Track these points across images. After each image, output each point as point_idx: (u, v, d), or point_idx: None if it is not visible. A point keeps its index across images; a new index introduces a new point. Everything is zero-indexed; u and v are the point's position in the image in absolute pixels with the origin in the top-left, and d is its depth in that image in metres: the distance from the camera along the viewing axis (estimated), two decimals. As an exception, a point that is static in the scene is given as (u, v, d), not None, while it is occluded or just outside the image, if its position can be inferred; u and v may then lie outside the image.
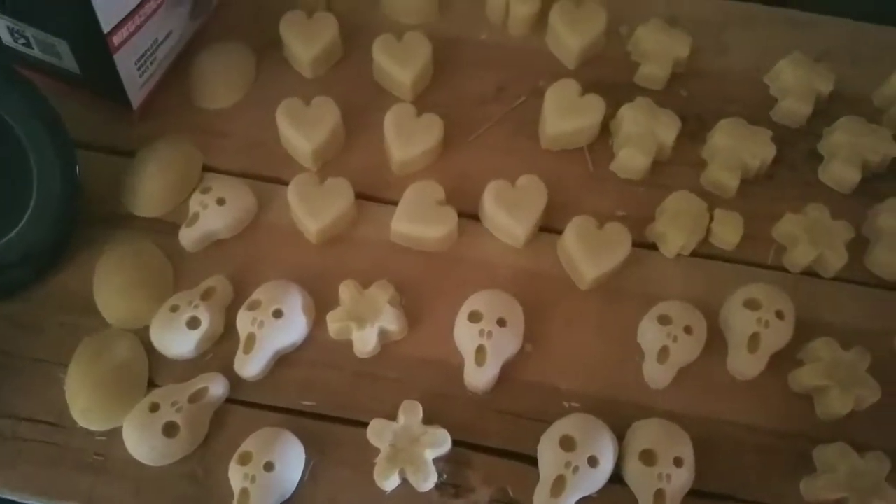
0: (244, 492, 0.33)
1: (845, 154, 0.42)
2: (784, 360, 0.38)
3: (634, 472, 0.34)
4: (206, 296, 0.38)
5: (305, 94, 0.42)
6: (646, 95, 0.43)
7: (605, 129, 0.43)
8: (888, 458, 0.34)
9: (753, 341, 0.37)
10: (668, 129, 0.42)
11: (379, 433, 0.35)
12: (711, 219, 0.41)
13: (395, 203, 0.40)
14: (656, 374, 0.37)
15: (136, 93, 0.42)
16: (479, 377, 0.36)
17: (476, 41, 0.46)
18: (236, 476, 0.34)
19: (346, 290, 0.38)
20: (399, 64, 0.43)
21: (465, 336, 0.37)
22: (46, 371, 0.37)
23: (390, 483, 0.34)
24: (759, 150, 0.42)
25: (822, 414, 0.37)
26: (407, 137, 0.41)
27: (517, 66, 0.46)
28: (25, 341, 0.38)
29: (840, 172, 0.42)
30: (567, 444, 0.34)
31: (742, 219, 0.41)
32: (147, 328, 0.37)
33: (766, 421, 0.37)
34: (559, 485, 0.33)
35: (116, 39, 0.38)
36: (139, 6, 0.39)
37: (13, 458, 0.35)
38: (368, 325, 0.37)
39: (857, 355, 0.37)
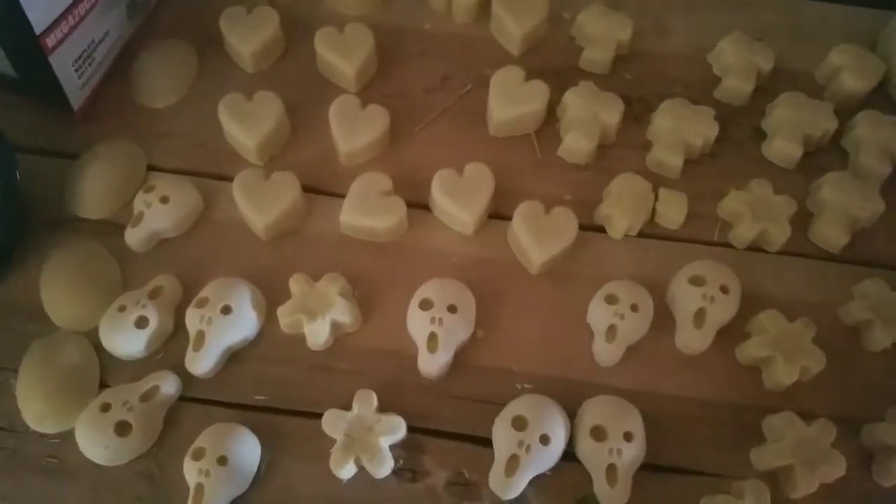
0: (199, 487, 0.33)
1: (788, 130, 0.43)
2: (731, 334, 0.38)
3: (586, 449, 0.35)
4: (153, 294, 0.37)
5: (249, 89, 0.42)
6: (590, 80, 0.43)
7: (552, 115, 0.44)
8: (834, 426, 0.35)
9: (699, 317, 0.38)
10: (611, 112, 0.42)
11: (333, 423, 0.35)
12: (657, 199, 0.41)
13: (343, 195, 0.40)
14: (605, 353, 0.37)
15: (76, 95, 0.41)
16: (431, 363, 0.37)
17: (420, 30, 0.46)
18: (191, 471, 0.34)
19: (295, 284, 0.38)
20: (342, 55, 0.43)
21: (417, 324, 0.37)
22: (-4, 378, 0.37)
23: (346, 471, 0.34)
24: (701, 129, 0.42)
25: (769, 384, 0.38)
26: (352, 129, 0.41)
27: (462, 55, 0.46)
28: (-27, 348, 0.37)
29: (783, 148, 0.43)
30: (519, 424, 0.35)
31: (686, 198, 0.41)
32: (96, 330, 0.37)
33: (715, 394, 0.38)
34: (513, 464, 0.34)
35: (50, 41, 0.38)
36: (71, 6, 0.38)
37: (-36, 465, 0.35)
38: (319, 317, 0.37)
39: (802, 326, 0.38)
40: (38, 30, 0.37)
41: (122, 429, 0.34)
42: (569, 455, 0.35)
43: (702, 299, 0.38)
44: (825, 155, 0.44)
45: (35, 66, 0.39)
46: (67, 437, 0.35)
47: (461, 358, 0.38)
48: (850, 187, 0.41)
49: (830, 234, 0.41)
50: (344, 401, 0.36)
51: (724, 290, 0.38)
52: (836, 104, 0.44)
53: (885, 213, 0.41)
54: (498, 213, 0.41)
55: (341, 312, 0.37)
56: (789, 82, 0.45)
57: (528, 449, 0.34)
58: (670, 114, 0.42)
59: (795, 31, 0.48)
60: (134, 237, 0.39)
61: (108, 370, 0.37)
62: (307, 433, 0.36)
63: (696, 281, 0.38)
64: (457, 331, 0.37)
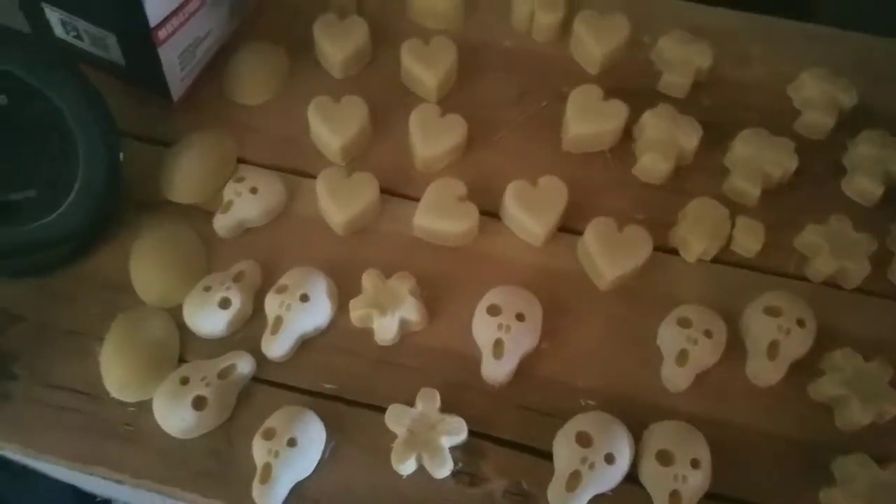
0: (267, 466, 0.34)
1: (869, 167, 0.42)
2: (803, 369, 0.38)
3: (650, 472, 0.34)
4: (237, 278, 0.39)
5: (335, 93, 0.44)
6: (667, 103, 0.44)
7: (627, 134, 0.44)
8: (908, 470, 0.34)
9: (773, 348, 0.37)
10: (689, 136, 0.42)
11: (397, 418, 0.35)
12: (733, 226, 0.41)
13: (418, 199, 0.42)
14: (675, 377, 0.37)
15: (177, 86, 0.44)
16: (496, 370, 0.37)
17: (500, 47, 0.48)
18: (260, 450, 0.35)
19: (368, 279, 0.39)
20: (425, 66, 0.44)
21: (484, 329, 0.38)
22: (82, 344, 0.39)
23: (407, 467, 0.35)
24: (781, 159, 0.42)
25: (841, 424, 0.37)
26: (431, 135, 0.42)
27: (540, 72, 0.47)
28: (64, 314, 0.39)
29: (863, 185, 0.42)
30: (584, 440, 0.34)
31: (763, 227, 0.41)
32: (179, 308, 0.39)
33: (784, 428, 0.37)
34: (574, 480, 0.34)
35: (161, 34, 0.41)
36: (183, 4, 0.41)
37: (49, 423, 0.37)
38: (389, 313, 0.38)
39: (878, 367, 0.37)
40: (152, 23, 0.40)
41: (199, 403, 0.36)
42: (630, 477, 0.35)
43: (777, 331, 0.37)
44: (907, 195, 0.43)
45: (144, 57, 0.42)
46: (144, 407, 0.37)
47: (525, 367, 0.38)
48: (935, 229, 0.40)
49: (911, 275, 0.40)
50: (406, 397, 0.36)
51: (800, 323, 0.37)
52: (920, 145, 0.43)
53: (971, 258, 0.40)
54: (567, 227, 0.42)
55: (410, 310, 0.38)
56: (870, 120, 0.45)
57: (591, 466, 0.34)
58: (750, 142, 0.42)
59: (878, 69, 0.47)
60: (222, 224, 0.41)
61: (187, 346, 0.39)
62: (369, 425, 0.36)
63: (773, 311, 0.38)
64: (523, 339, 0.37)
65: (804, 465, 0.36)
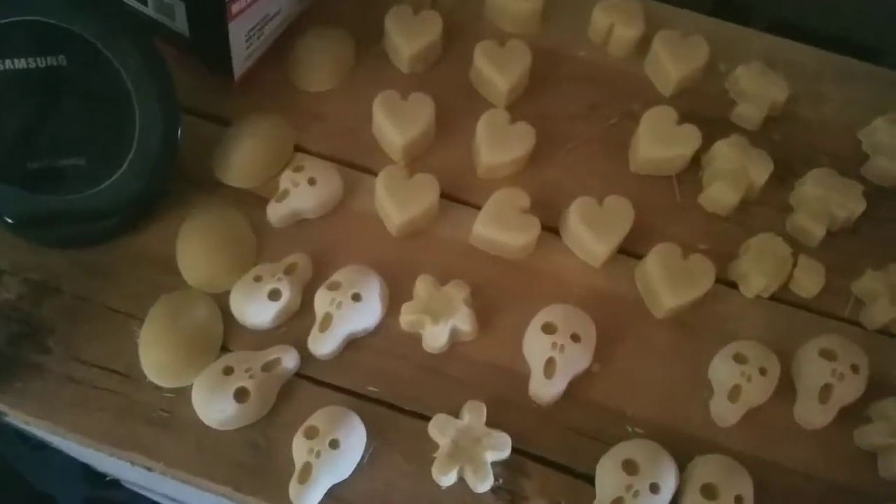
0: (307, 466, 0.33)
1: (932, 218, 0.42)
2: (851, 415, 0.37)
3: (693, 506, 0.34)
4: (289, 270, 0.38)
5: (401, 88, 0.42)
6: (739, 134, 0.43)
7: (695, 161, 0.43)
8: (951, 529, 0.34)
9: (825, 392, 0.37)
10: (760, 169, 0.42)
11: (442, 428, 0.35)
12: (794, 265, 0.40)
13: (477, 206, 0.41)
14: (725, 412, 0.37)
15: (240, 64, 0.43)
16: (546, 389, 0.36)
17: (574, 57, 0.47)
18: (301, 449, 0.34)
19: (422, 285, 0.38)
20: (498, 70, 0.43)
21: (537, 346, 0.37)
22: (121, 322, 0.38)
23: (448, 479, 0.34)
24: (848, 202, 0.42)
25: (885, 474, 0.37)
26: (498, 143, 0.42)
27: (612, 87, 0.46)
28: (103, 290, 0.38)
29: (925, 236, 0.42)
30: (630, 467, 0.34)
31: (824, 269, 0.41)
32: (224, 294, 0.38)
33: (827, 472, 0.37)
34: (616, 507, 0.33)
35: (235, 8, 0.39)
36: (259, -21, 0.40)
37: (81, 402, 0.36)
38: (442, 321, 0.37)
39: (927, 420, 0.37)
40: (227, -4, 0.38)
41: (241, 395, 0.35)
42: (672, 508, 0.34)
43: (830, 375, 0.37)
44: (966, 250, 0.43)
45: (213, 30, 0.40)
46: (181, 393, 0.36)
47: (573, 388, 0.37)
48: None
49: (965, 332, 0.40)
50: (450, 407, 0.36)
51: (854, 369, 0.37)
52: (984, 200, 0.43)
53: None
54: (627, 250, 0.41)
55: (463, 320, 0.37)
56: (938, 171, 0.44)
57: (636, 494, 0.33)
58: (819, 182, 0.42)
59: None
60: (276, 212, 0.40)
61: (230, 335, 0.38)
62: (412, 432, 0.36)
63: (828, 355, 0.37)
64: (576, 361, 0.37)
65: (846, 512, 0.36)
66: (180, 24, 0.42)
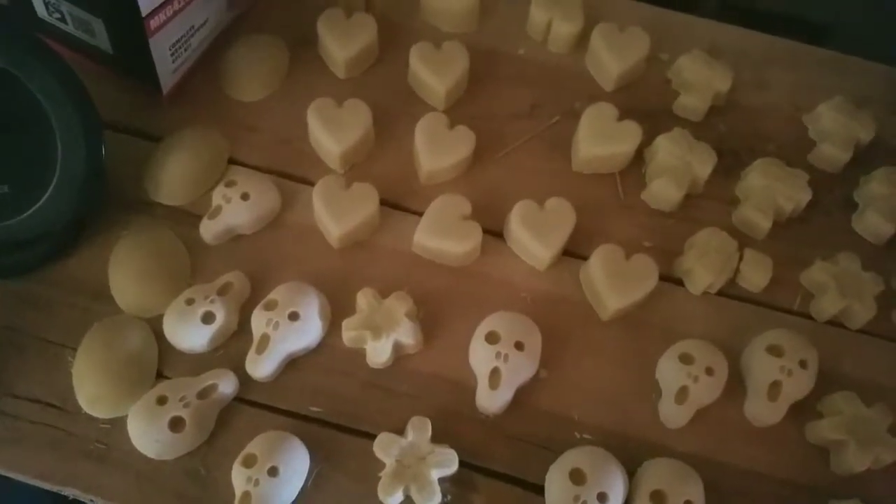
0: (245, 495, 0.33)
1: (881, 205, 0.41)
2: (802, 410, 0.37)
3: (643, 513, 0.34)
4: (222, 291, 0.37)
5: (337, 94, 0.41)
6: (682, 126, 0.42)
7: (638, 157, 0.43)
8: (903, 521, 0.34)
9: (774, 389, 0.36)
10: (704, 163, 0.41)
11: (386, 447, 0.34)
12: (741, 259, 0.40)
13: (419, 213, 0.40)
14: (673, 414, 0.36)
15: (168, 78, 0.41)
16: (491, 400, 0.36)
17: (513, 55, 0.46)
18: (239, 478, 0.33)
19: (363, 298, 0.37)
20: (435, 72, 0.42)
21: (481, 357, 0.36)
22: (54, 353, 0.36)
23: (394, 499, 0.34)
24: (794, 193, 0.41)
25: (837, 468, 0.36)
26: (438, 148, 0.40)
27: (553, 85, 0.45)
28: (34, 320, 0.37)
29: (874, 223, 0.42)
30: (577, 477, 0.34)
31: (772, 262, 0.40)
32: (159, 317, 0.37)
33: (780, 470, 0.36)
34: (565, 517, 0.33)
35: (153, 23, 0.38)
36: (180, -9, 0.38)
37: (15, 437, 0.35)
38: (384, 335, 0.36)
39: (878, 413, 0.36)
40: (144, 11, 0.37)
41: (176, 424, 0.34)
42: (623, 515, 0.34)
43: (779, 371, 0.36)
44: (916, 235, 0.42)
45: (133, 46, 0.39)
46: (118, 424, 0.35)
47: (521, 397, 0.37)
48: (945, 274, 0.40)
49: (917, 318, 0.39)
50: (397, 423, 0.35)
51: (802, 364, 0.37)
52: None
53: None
54: (573, 252, 0.40)
55: (406, 333, 0.36)
56: (886, 155, 0.44)
57: (583, 504, 0.33)
58: (764, 173, 0.41)
59: (899, 102, 0.46)
60: (209, 230, 0.39)
61: (166, 360, 0.37)
62: (357, 452, 0.35)
63: (775, 351, 0.37)
64: (521, 369, 0.36)
65: (798, 509, 0.36)
66: (101, 41, 0.40)
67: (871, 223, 0.42)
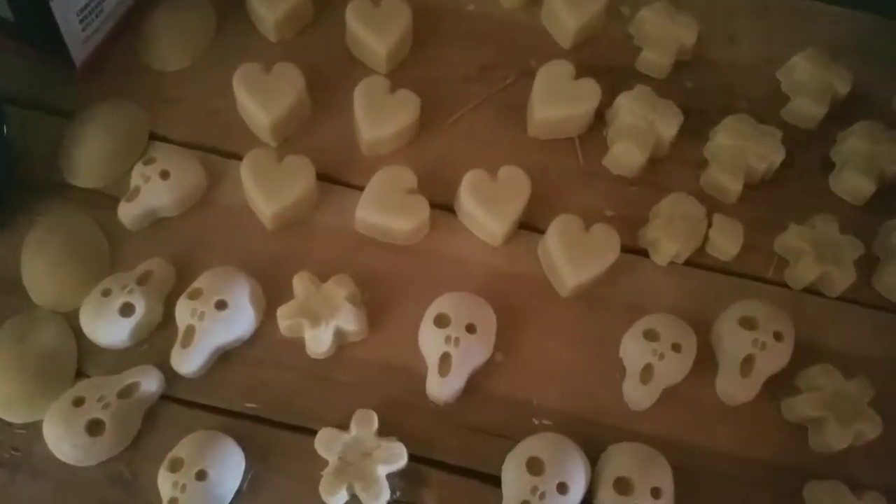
0: (173, 501, 0.30)
1: (860, 162, 0.39)
2: (779, 386, 0.35)
3: (608, 503, 0.31)
4: (142, 280, 0.34)
5: (269, 59, 0.38)
6: (646, 83, 0.39)
7: (600, 118, 0.39)
8: (885, 500, 0.32)
9: (747, 364, 0.34)
10: (668, 123, 0.38)
11: (327, 444, 0.31)
12: (709, 225, 0.37)
13: (362, 188, 0.36)
14: (638, 395, 0.33)
15: (79, 48, 0.38)
16: (441, 388, 0.33)
17: (462, 11, 0.42)
18: (165, 484, 0.30)
19: (300, 283, 0.34)
20: (374, 32, 0.38)
21: (430, 342, 0.33)
22: (-38, 354, 0.33)
23: (337, 499, 0.31)
24: (766, 152, 0.38)
25: (816, 447, 0.34)
26: (378, 115, 0.37)
27: (506, 43, 0.41)
28: (-59, 318, 0.34)
29: (853, 182, 0.39)
30: (535, 466, 0.31)
31: (743, 227, 0.37)
32: (75, 312, 0.34)
33: (755, 451, 0.34)
34: (523, 511, 0.30)
35: (53, -16, 0.34)
36: (82, -53, 0.34)
37: (-82, 448, 0.32)
38: (323, 323, 0.33)
39: (859, 386, 0.34)
40: (40, -30, 0.33)
41: (95, 427, 0.31)
42: (586, 504, 0.32)
43: (752, 345, 0.34)
44: (897, 194, 0.40)
45: (35, 12, 0.35)
46: (35, 428, 0.32)
47: (475, 382, 0.34)
48: (928, 234, 0.37)
49: (898, 283, 0.37)
50: (341, 417, 0.32)
51: (777, 336, 0.34)
52: (917, 139, 0.39)
53: (964, 267, 0.37)
54: (530, 224, 0.37)
55: (347, 319, 0.34)
56: (864, 109, 0.41)
57: (542, 497, 0.30)
58: (733, 132, 0.38)
59: (877, 51, 0.43)
60: (128, 213, 0.35)
61: (86, 357, 0.34)
62: (298, 449, 0.32)
63: (748, 323, 0.34)
64: (473, 353, 0.33)
65: (775, 491, 0.33)
66: (1, 8, 0.36)
67: (849, 182, 0.39)
